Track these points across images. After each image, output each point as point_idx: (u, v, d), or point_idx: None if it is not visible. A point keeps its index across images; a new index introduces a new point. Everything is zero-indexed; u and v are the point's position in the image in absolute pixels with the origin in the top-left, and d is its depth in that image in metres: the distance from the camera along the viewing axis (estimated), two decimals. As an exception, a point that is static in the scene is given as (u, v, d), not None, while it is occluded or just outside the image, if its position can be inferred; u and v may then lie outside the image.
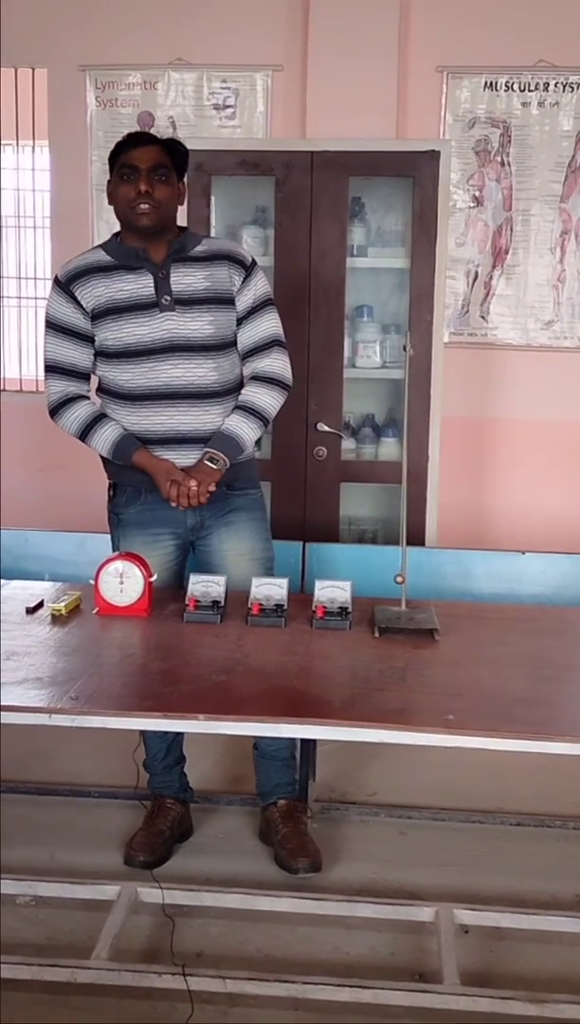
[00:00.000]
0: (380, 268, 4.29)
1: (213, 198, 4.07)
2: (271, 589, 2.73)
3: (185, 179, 2.98)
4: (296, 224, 4.05)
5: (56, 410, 3.00)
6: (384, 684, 2.33)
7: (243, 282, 2.96)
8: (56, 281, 2.97)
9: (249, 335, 3.00)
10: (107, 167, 4.76)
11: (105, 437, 2.95)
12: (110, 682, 2.35)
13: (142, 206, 2.84)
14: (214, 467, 2.89)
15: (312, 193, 4.03)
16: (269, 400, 3.00)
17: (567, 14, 4.58)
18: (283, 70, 4.72)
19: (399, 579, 2.68)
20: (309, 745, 3.28)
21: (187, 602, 2.71)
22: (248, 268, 2.99)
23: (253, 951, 2.71)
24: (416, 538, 4.00)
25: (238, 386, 3.02)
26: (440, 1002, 2.44)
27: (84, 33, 4.81)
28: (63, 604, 2.72)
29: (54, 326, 2.97)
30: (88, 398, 3.03)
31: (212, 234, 4.06)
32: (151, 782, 3.19)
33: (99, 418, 2.98)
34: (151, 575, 2.73)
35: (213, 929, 2.78)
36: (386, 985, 2.50)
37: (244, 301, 2.97)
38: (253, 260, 3.03)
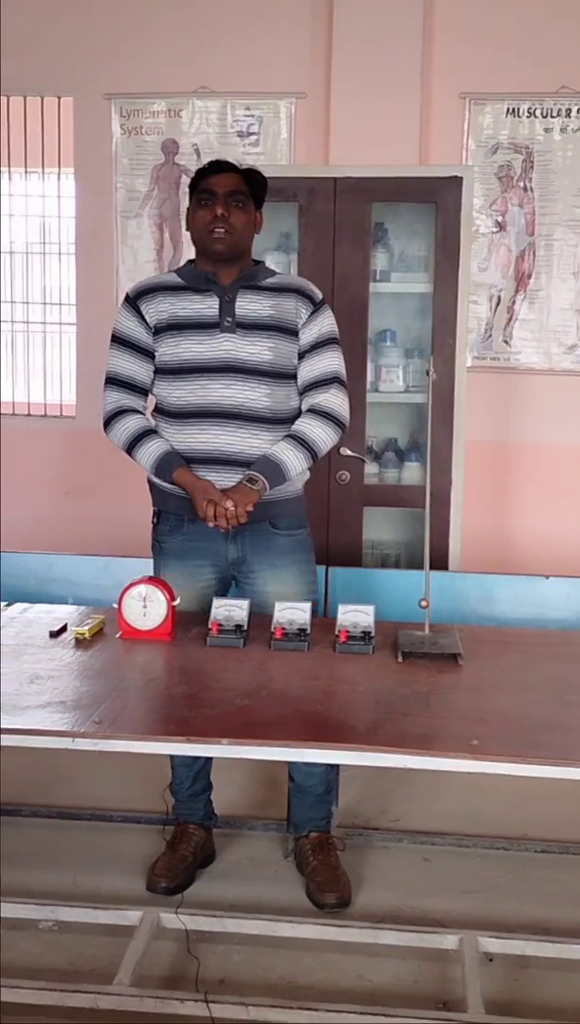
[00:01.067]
0: (403, 293, 4.31)
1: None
2: (294, 613, 2.73)
3: (262, 210, 2.99)
4: (320, 249, 4.08)
5: (108, 422, 3.00)
6: (408, 709, 2.32)
7: (310, 316, 2.95)
8: (125, 296, 3.01)
9: (310, 370, 2.97)
10: (131, 195, 4.91)
11: (150, 452, 2.94)
12: (133, 706, 2.36)
13: (218, 230, 2.86)
14: (253, 488, 2.85)
15: (335, 219, 4.05)
16: (321, 434, 2.95)
17: (589, 40, 4.60)
18: (306, 97, 4.76)
19: (423, 603, 2.67)
20: (333, 774, 3.26)
21: (210, 626, 2.71)
22: (317, 304, 2.97)
23: (276, 978, 2.70)
24: (440, 562, 4.00)
25: (290, 417, 2.98)
26: (465, 1031, 2.42)
27: (109, 62, 4.87)
28: (87, 628, 2.73)
29: (117, 339, 3.00)
30: (142, 413, 3.01)
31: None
32: (176, 808, 3.18)
33: (148, 432, 2.97)
34: (174, 599, 2.73)
35: (236, 955, 2.77)
36: (410, 1013, 2.48)
37: (308, 335, 2.95)
38: (323, 298, 3.02)
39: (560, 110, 4.64)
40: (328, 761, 2.59)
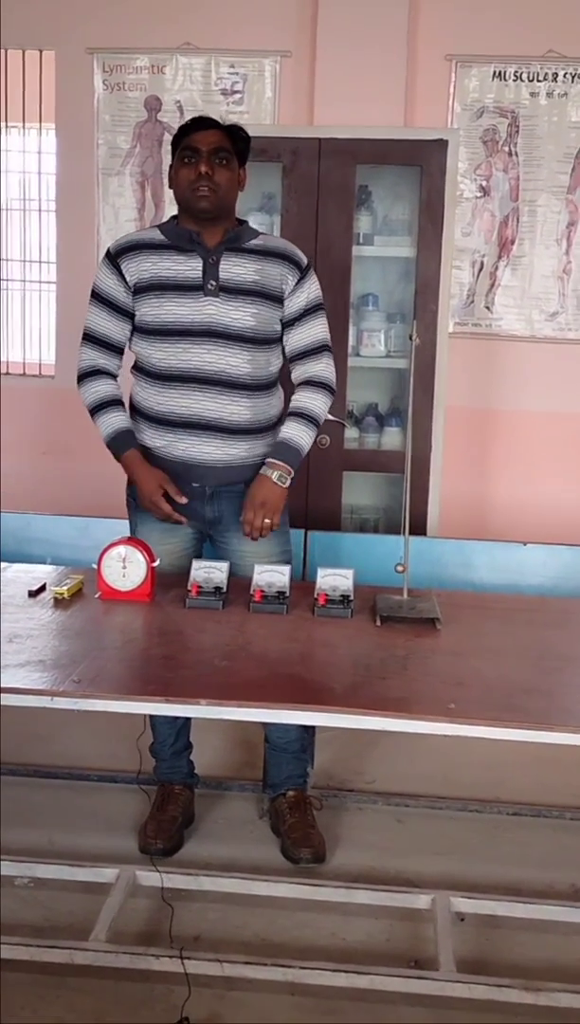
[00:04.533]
0: (386, 257, 4.29)
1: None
2: (273, 576, 2.74)
3: (246, 167, 2.94)
4: (303, 211, 4.05)
5: (81, 379, 3.01)
6: (386, 672, 2.34)
7: (297, 284, 2.93)
8: (106, 253, 2.98)
9: (301, 338, 2.97)
10: (112, 151, 4.85)
11: (109, 423, 2.95)
12: (112, 666, 2.36)
13: (202, 188, 2.81)
14: (283, 487, 2.88)
15: (319, 180, 4.03)
16: (322, 406, 2.97)
17: (577, 4, 4.56)
18: (291, 56, 4.70)
19: (401, 568, 2.68)
20: (308, 732, 3.29)
21: (189, 588, 2.71)
22: (303, 270, 2.96)
23: (250, 935, 2.73)
24: (418, 527, 4.01)
25: (270, 383, 2.98)
26: (436, 988, 2.46)
27: (92, 16, 4.79)
28: (65, 588, 2.73)
29: (95, 296, 2.98)
30: (114, 375, 3.02)
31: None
32: (158, 769, 3.19)
33: (113, 402, 2.97)
34: (154, 560, 2.74)
35: (211, 913, 2.80)
36: (382, 971, 2.51)
37: (297, 303, 2.94)
38: (309, 263, 3.00)
39: (546, 74, 4.61)
40: (306, 723, 2.60)
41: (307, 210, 4.05)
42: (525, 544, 3.65)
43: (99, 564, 2.73)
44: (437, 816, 3.34)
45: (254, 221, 4.12)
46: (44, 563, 3.18)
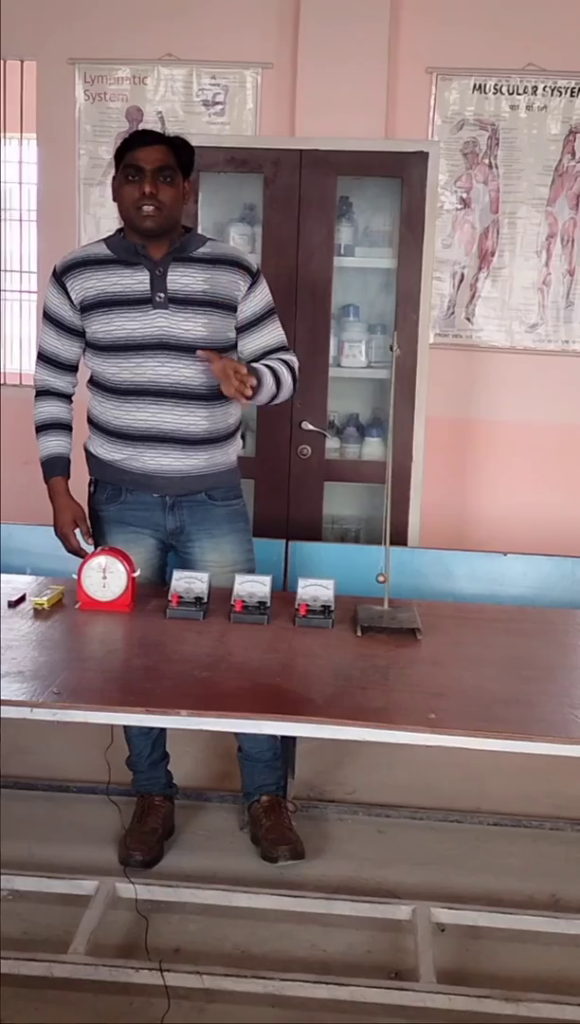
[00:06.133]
0: (367, 268, 4.31)
1: (201, 195, 4.08)
2: (254, 586, 2.74)
3: (191, 177, 2.93)
4: (284, 222, 4.06)
5: (35, 398, 3.08)
6: (366, 683, 2.34)
7: (249, 289, 2.93)
8: (53, 270, 2.98)
9: (263, 342, 2.98)
10: (94, 161, 4.86)
11: (46, 445, 3.05)
12: (92, 677, 2.35)
13: (146, 208, 2.79)
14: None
15: (300, 191, 4.04)
16: (287, 378, 2.96)
17: (557, 18, 4.59)
18: (273, 68, 4.72)
19: (382, 578, 2.68)
20: (289, 743, 3.29)
21: (170, 598, 2.71)
22: (254, 276, 2.96)
23: (231, 947, 2.72)
24: (399, 538, 4.02)
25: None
26: (416, 1000, 2.46)
27: (74, 27, 4.79)
28: (45, 598, 2.72)
29: (45, 314, 3.02)
30: (65, 394, 3.07)
31: (199, 230, 4.06)
32: (136, 781, 3.19)
33: (55, 425, 3.05)
34: (134, 570, 2.73)
35: (191, 925, 2.78)
36: (363, 983, 2.51)
37: (251, 308, 2.94)
38: (258, 268, 3.01)
39: (526, 87, 4.64)
40: (287, 733, 2.60)
41: (288, 221, 4.05)
42: (505, 554, 3.66)
43: (79, 574, 2.73)
44: (418, 826, 3.34)
45: (235, 232, 4.17)
46: (24, 573, 3.17)
